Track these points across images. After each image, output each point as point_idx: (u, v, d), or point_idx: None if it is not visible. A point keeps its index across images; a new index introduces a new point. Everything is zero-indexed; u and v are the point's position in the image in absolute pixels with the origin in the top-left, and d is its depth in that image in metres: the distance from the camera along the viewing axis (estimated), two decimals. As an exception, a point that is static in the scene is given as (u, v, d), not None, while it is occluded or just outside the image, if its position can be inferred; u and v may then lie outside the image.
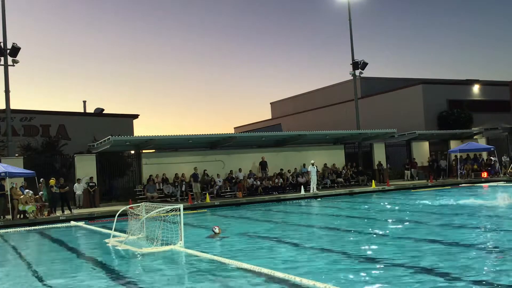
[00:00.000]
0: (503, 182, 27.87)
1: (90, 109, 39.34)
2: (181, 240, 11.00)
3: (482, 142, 34.48)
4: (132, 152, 28.02)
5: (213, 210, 21.40)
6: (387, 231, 12.35)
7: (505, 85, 38.47)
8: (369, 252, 9.60)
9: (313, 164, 26.45)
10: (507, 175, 29.73)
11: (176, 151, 27.79)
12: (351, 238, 11.69)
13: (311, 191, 25.59)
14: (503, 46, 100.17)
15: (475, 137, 35.37)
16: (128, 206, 13.31)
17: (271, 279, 7.50)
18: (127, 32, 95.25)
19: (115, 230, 13.02)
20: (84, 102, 40.05)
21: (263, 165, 27.83)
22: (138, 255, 10.46)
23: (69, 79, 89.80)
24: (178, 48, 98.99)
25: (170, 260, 9.96)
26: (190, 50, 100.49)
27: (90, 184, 23.81)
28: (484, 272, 7.34)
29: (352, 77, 34.46)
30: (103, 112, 37.71)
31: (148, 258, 10.17)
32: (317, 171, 28.01)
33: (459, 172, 30.73)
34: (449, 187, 26.93)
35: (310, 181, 26.23)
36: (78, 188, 23.43)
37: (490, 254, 8.77)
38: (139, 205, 12.71)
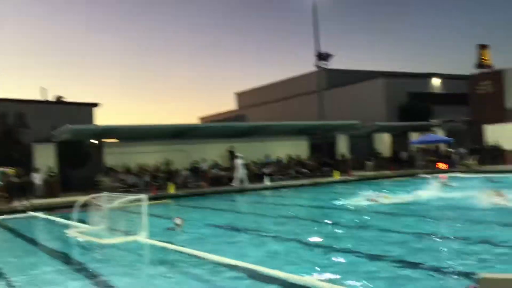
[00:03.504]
0: (460, 173, 28.76)
1: (51, 97, 38.24)
2: (144, 230, 10.87)
3: (440, 134, 35.49)
4: (94, 141, 27.42)
5: (177, 200, 21.26)
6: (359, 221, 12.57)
7: (464, 78, 39.64)
8: (328, 241, 9.75)
9: (238, 157, 25.41)
10: (464, 167, 30.70)
11: (139, 141, 27.40)
12: (310, 227, 11.83)
13: (234, 183, 24.65)
14: (462, 40, 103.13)
15: (434, 129, 36.36)
16: (89, 196, 13.06)
17: (233, 268, 7.50)
18: (88, 18, 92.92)
19: (75, 220, 12.75)
20: (44, 89, 38.87)
21: (232, 154, 27.71)
22: (100, 246, 10.29)
23: (28, 66, 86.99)
24: (142, 36, 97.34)
25: (132, 250, 9.83)
26: (154, 38, 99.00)
27: (50, 173, 23.21)
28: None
29: (317, 69, 34.74)
30: (63, 100, 36.73)
31: (110, 249, 10.01)
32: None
33: (418, 163, 31.57)
34: (409, 178, 27.58)
35: (240, 174, 25.01)
36: (37, 178, 22.81)
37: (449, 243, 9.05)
38: (101, 196, 12.49)
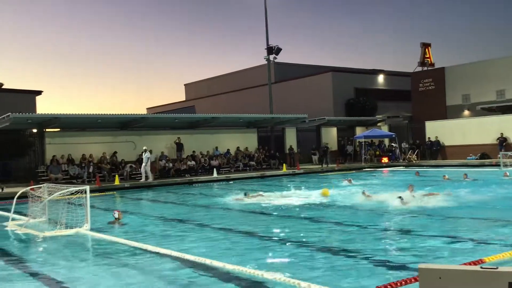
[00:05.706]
0: (402, 167, 29.88)
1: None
2: (87, 223, 10.62)
3: (384, 129, 36.67)
4: (35, 130, 26.42)
5: (123, 192, 20.85)
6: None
7: (407, 75, 41.00)
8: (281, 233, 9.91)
9: (145, 151, 24.06)
10: (406, 161, 31.90)
11: (83, 131, 26.64)
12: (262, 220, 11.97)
13: (143, 179, 23.59)
14: (406, 39, 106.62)
15: (378, 124, 37.51)
16: (29, 188, 12.59)
17: (175, 259, 7.48)
18: (33, 4, 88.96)
19: (14, 212, 12.27)
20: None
21: (179, 146, 27.46)
22: (40, 239, 9.96)
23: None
24: (90, 24, 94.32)
25: (74, 243, 9.57)
26: (103, 27, 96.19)
27: (-13, 164, 22.16)
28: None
29: (266, 62, 34.94)
30: (3, 87, 35.11)
31: (50, 241, 9.70)
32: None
33: (363, 157, 32.51)
34: (354, 171, 28.36)
35: (143, 168, 23.78)
36: (-27, 168, 21.73)
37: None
38: (41, 187, 12.07)
